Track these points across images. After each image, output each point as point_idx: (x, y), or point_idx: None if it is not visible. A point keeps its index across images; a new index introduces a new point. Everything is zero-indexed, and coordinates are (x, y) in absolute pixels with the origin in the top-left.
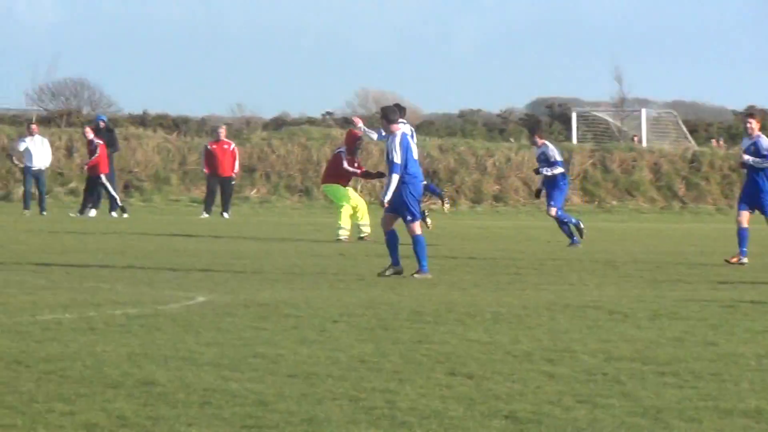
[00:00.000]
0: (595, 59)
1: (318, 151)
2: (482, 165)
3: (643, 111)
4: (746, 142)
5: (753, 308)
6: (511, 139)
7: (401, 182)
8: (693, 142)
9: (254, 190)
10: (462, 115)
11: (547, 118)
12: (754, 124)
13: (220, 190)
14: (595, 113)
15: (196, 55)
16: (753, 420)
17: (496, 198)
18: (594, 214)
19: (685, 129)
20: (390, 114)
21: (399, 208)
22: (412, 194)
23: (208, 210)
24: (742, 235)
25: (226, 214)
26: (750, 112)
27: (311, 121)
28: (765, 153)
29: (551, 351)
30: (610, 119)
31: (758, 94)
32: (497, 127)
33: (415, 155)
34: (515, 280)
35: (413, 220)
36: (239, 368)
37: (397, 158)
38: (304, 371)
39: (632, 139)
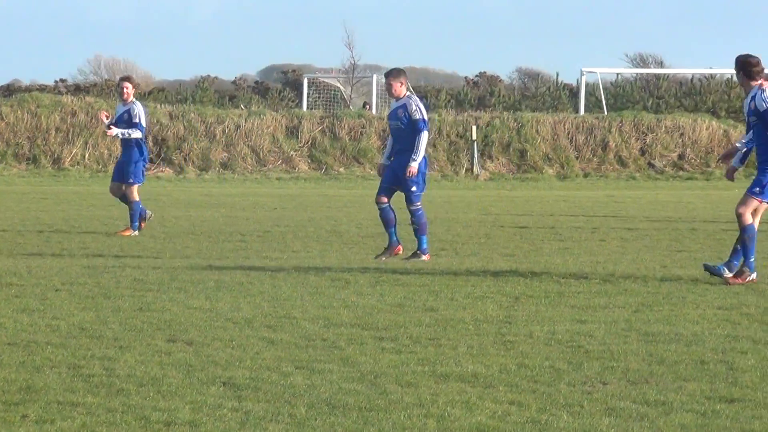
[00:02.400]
0: (327, 25)
1: (47, 119)
2: (211, 132)
3: (374, 77)
4: None
5: (473, 274)
6: (242, 106)
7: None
8: None
9: None
10: (196, 81)
11: (280, 85)
12: None
13: None
14: (325, 80)
15: None
16: (469, 384)
17: (224, 165)
18: (321, 181)
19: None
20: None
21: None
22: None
23: None
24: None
25: None
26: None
27: (42, 88)
28: None
29: (272, 317)
30: (340, 86)
31: (490, 61)
32: (229, 94)
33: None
34: (239, 248)
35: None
36: None
37: (424, 115)
38: (23, 339)
39: (363, 106)
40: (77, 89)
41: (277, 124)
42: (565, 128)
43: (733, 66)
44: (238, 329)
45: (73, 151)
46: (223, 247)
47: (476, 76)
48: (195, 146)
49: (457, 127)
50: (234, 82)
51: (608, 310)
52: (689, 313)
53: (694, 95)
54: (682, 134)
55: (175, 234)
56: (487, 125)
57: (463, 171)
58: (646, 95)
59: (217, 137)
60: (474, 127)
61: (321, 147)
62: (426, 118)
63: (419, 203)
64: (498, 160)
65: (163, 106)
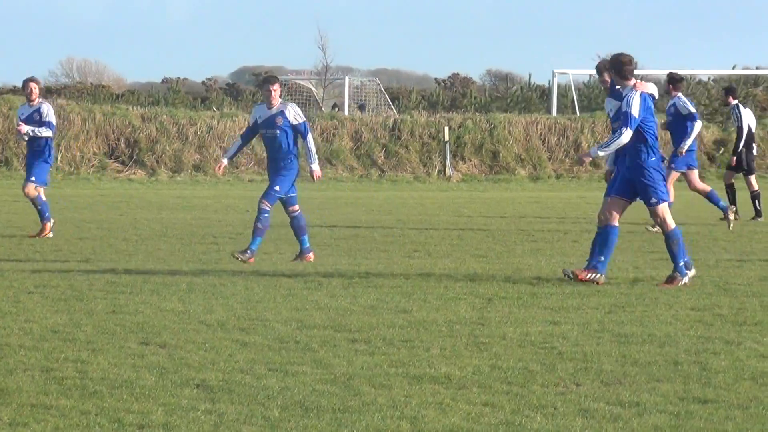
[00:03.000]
0: (299, 27)
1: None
2: (183, 134)
3: (346, 79)
4: None
5: (446, 275)
6: (214, 108)
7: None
8: (394, 110)
9: None
10: (165, 81)
11: (251, 87)
12: None
13: None
14: (297, 81)
15: None
16: (442, 385)
17: (196, 167)
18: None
19: (387, 97)
20: None
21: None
22: None
23: None
24: None
25: None
26: None
27: (15, 90)
28: None
29: (245, 320)
30: (312, 87)
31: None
32: (201, 96)
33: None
34: (212, 250)
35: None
36: None
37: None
38: None
39: (333, 108)
40: (49, 91)
41: None
42: (537, 129)
43: (603, 66)
44: (211, 332)
45: None
46: (196, 249)
47: (448, 77)
48: (167, 148)
49: (429, 129)
50: (204, 84)
51: (581, 312)
52: (662, 314)
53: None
54: None
55: (147, 236)
56: (460, 127)
57: (436, 172)
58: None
59: (190, 139)
60: (446, 129)
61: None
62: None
63: (271, 205)
64: (470, 161)
65: (135, 108)
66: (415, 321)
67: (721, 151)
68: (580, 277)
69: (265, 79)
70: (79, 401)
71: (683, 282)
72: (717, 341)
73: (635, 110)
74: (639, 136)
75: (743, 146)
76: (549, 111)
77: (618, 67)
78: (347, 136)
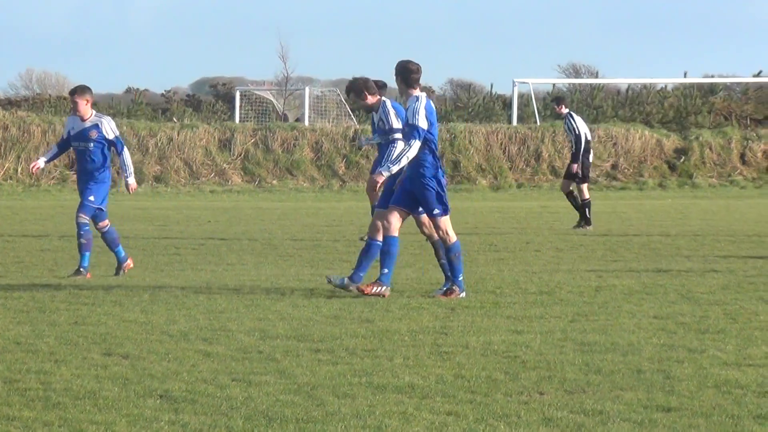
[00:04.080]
0: (259, 38)
1: None
2: (144, 145)
3: (307, 89)
4: None
5: (409, 286)
6: (175, 119)
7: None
8: (355, 120)
9: None
10: (129, 91)
11: (212, 98)
12: None
13: None
14: (257, 92)
15: None
16: (406, 395)
17: (157, 179)
18: (254, 194)
19: (348, 107)
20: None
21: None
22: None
23: None
24: None
25: None
26: None
27: None
28: None
29: (208, 330)
30: (273, 98)
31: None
32: (161, 107)
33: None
34: (174, 261)
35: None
36: None
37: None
38: None
39: (296, 120)
40: (9, 103)
41: (210, 137)
42: (498, 139)
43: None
44: (174, 342)
45: (6, 166)
46: (158, 260)
47: None
48: None
49: None
50: (164, 95)
51: (544, 321)
52: (625, 322)
53: (629, 105)
54: (615, 144)
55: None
56: None
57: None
58: (583, 105)
59: (150, 150)
60: None
61: (254, 159)
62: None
63: (88, 217)
64: None
65: None
66: (378, 331)
67: (681, 160)
68: (366, 292)
69: (72, 91)
70: (42, 412)
71: (461, 296)
72: (680, 349)
73: (422, 121)
74: (421, 146)
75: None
76: (510, 120)
77: (405, 75)
78: (308, 147)
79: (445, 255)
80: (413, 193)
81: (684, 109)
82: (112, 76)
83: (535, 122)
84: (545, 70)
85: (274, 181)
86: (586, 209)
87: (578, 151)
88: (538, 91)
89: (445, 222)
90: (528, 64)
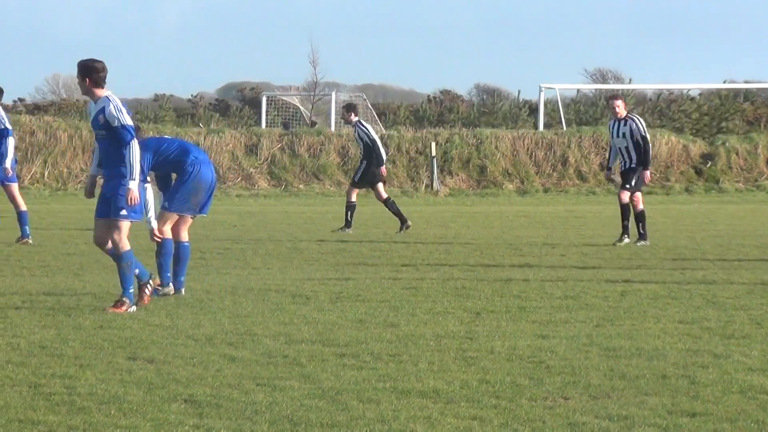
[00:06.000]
0: (288, 43)
1: None
2: None
3: (333, 95)
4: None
5: (434, 290)
6: (201, 124)
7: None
8: (381, 125)
9: None
10: (156, 99)
11: (238, 103)
12: None
13: None
14: (283, 98)
15: None
16: (430, 400)
17: None
18: (281, 198)
19: (374, 112)
20: None
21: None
22: None
23: None
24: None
25: None
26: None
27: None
28: None
29: (233, 334)
30: (299, 104)
31: (448, 78)
32: (188, 113)
33: None
34: (199, 265)
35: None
36: None
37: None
38: None
39: (312, 125)
40: (36, 108)
41: (236, 142)
42: (524, 144)
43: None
44: (199, 346)
45: (33, 170)
46: None
47: (440, 92)
48: None
49: (416, 144)
50: (190, 100)
51: (569, 325)
52: (650, 327)
53: (658, 113)
54: None
55: (134, 252)
56: (447, 141)
57: (423, 187)
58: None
59: None
60: (433, 144)
61: (280, 164)
62: (130, 123)
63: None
64: (458, 176)
65: None
66: (403, 335)
67: (708, 165)
68: (145, 302)
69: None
70: (66, 417)
71: (131, 310)
72: (705, 354)
73: (128, 119)
74: (119, 147)
75: (366, 159)
76: (536, 126)
77: (92, 74)
78: (334, 152)
79: (117, 263)
80: (107, 196)
81: (717, 116)
82: (139, 81)
83: (562, 127)
84: (572, 75)
85: (301, 186)
86: (349, 212)
87: (379, 156)
88: (565, 96)
89: (124, 227)
90: (555, 70)
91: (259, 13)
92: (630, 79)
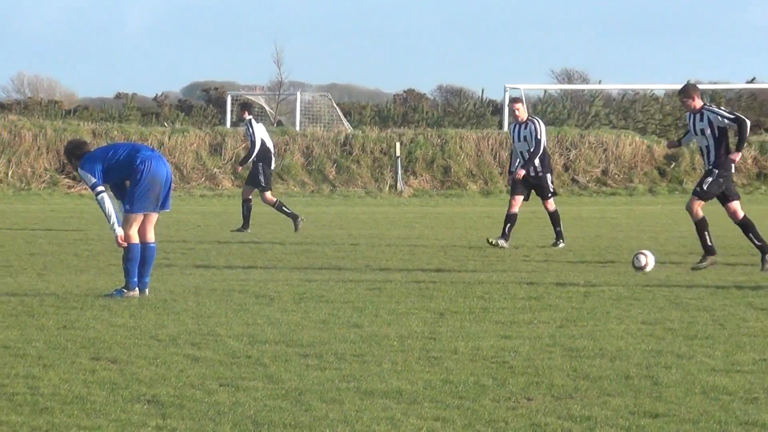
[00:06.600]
0: (254, 43)
1: None
2: None
3: (298, 94)
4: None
5: (397, 290)
6: (166, 124)
7: None
8: (347, 124)
9: None
10: (119, 97)
11: (203, 103)
12: None
13: None
14: (249, 97)
15: None
16: (394, 400)
17: None
18: None
19: (339, 112)
20: None
21: None
22: None
23: None
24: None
25: None
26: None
27: None
28: None
29: (196, 335)
30: (264, 103)
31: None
32: (153, 112)
33: None
34: (163, 264)
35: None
36: None
37: None
38: None
39: (277, 125)
40: (0, 107)
41: (201, 142)
42: (489, 144)
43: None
44: (162, 347)
45: None
46: None
47: (404, 92)
48: None
49: (380, 144)
50: (155, 99)
51: (532, 326)
52: (613, 328)
53: (623, 112)
54: (605, 150)
55: (98, 252)
56: (411, 142)
57: (387, 188)
58: (576, 111)
59: None
60: (398, 144)
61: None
62: (91, 182)
63: None
64: (422, 176)
65: (86, 124)
66: (367, 336)
67: (671, 166)
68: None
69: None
70: (29, 417)
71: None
72: (668, 355)
73: (90, 180)
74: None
75: (260, 161)
76: (501, 126)
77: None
78: (298, 152)
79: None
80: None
81: (681, 116)
82: (103, 80)
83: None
84: (538, 75)
85: None
86: (247, 213)
87: (250, 156)
88: (530, 96)
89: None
90: (520, 70)
91: (224, 12)
92: (599, 81)
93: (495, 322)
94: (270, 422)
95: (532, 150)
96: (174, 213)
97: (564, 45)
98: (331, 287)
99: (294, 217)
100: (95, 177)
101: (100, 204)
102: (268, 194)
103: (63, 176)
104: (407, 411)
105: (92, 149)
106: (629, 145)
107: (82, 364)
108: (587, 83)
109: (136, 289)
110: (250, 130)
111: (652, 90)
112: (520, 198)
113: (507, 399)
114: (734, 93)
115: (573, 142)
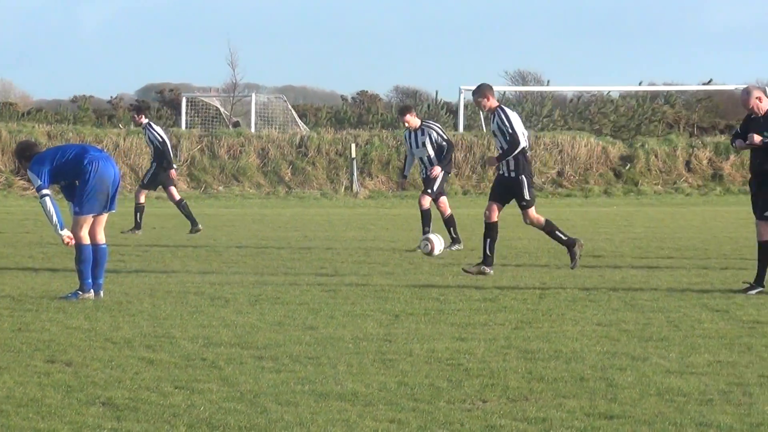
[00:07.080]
0: (208, 44)
1: None
2: None
3: (253, 96)
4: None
5: (353, 292)
6: (120, 125)
7: None
8: (303, 126)
9: None
10: (74, 100)
11: (158, 104)
12: None
13: None
14: (204, 99)
15: None
16: (349, 403)
17: None
18: (200, 200)
19: (295, 114)
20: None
21: None
22: None
23: None
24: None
25: None
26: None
27: None
28: None
29: (151, 337)
30: (219, 105)
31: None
32: (108, 114)
33: None
34: (119, 267)
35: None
36: None
37: None
38: None
39: (235, 125)
40: None
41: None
42: None
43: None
44: (117, 349)
45: None
46: None
47: (357, 94)
48: None
49: (336, 145)
50: (110, 102)
51: (488, 328)
52: (568, 329)
53: (578, 114)
54: (561, 151)
55: (52, 254)
56: (367, 143)
57: (343, 189)
58: (530, 114)
59: None
60: (353, 145)
61: (200, 165)
62: (37, 185)
63: None
64: (377, 178)
65: (41, 126)
66: (322, 338)
67: (627, 167)
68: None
69: None
70: None
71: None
72: (623, 357)
73: (36, 182)
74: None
75: (159, 163)
76: (456, 128)
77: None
78: (254, 153)
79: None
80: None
81: (636, 118)
82: (58, 82)
83: (481, 129)
84: (492, 77)
85: (220, 188)
86: (138, 213)
87: (163, 158)
88: None
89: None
90: (475, 71)
91: (179, 14)
92: (547, 81)
93: (450, 324)
94: (225, 425)
95: (446, 149)
96: (129, 215)
97: (518, 47)
98: (286, 289)
99: (137, 226)
100: (40, 179)
101: (43, 206)
102: (144, 192)
103: (18, 178)
104: (362, 413)
105: (42, 150)
106: (584, 146)
107: (37, 367)
108: (541, 85)
109: (91, 291)
110: (154, 133)
111: (607, 91)
112: (427, 197)
113: (462, 401)
114: (690, 94)
115: (529, 143)
